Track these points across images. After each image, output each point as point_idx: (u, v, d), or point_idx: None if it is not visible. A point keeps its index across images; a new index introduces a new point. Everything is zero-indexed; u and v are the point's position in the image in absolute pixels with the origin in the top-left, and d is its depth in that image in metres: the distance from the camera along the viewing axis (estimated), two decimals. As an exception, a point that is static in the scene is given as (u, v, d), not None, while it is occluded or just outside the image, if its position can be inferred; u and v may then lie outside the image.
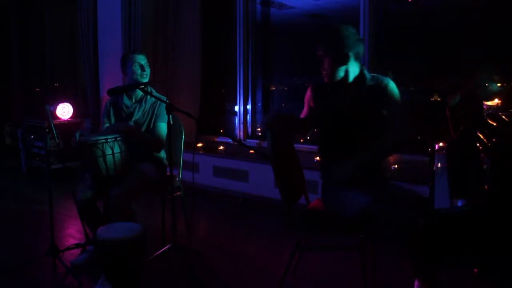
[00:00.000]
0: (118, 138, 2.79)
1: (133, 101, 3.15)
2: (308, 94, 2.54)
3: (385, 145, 2.31)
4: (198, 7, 4.94)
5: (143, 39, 4.81)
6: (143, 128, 3.08)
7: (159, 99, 2.95)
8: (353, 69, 2.37)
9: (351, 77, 2.37)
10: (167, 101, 2.85)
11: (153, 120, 3.08)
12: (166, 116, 3.06)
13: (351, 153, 2.28)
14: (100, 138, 2.73)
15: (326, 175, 2.46)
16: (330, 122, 2.40)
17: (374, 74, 2.43)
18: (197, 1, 4.93)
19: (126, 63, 3.12)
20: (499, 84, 3.64)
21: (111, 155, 2.75)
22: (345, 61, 2.31)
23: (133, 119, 3.08)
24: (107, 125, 3.16)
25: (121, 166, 2.80)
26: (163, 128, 3.01)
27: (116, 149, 2.77)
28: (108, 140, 2.74)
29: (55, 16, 6.59)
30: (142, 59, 3.11)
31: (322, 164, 2.50)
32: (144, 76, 3.10)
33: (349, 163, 2.26)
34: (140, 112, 3.10)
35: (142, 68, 3.08)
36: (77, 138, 2.75)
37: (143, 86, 2.95)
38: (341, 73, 2.34)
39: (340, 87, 2.39)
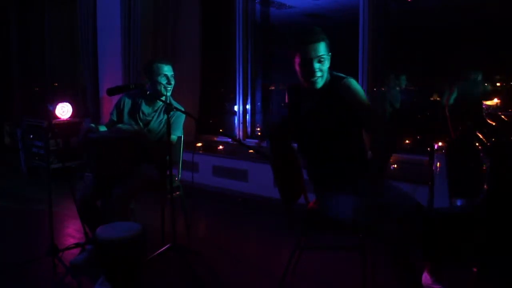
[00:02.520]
0: (125, 138, 2.80)
1: (152, 109, 3.11)
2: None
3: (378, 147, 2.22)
4: (198, 7, 4.95)
5: (143, 39, 4.81)
6: (157, 137, 3.06)
7: (177, 109, 2.83)
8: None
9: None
10: (185, 111, 2.83)
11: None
12: (181, 128, 3.08)
13: (326, 157, 2.28)
14: (107, 136, 2.74)
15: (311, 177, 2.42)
16: (301, 127, 2.36)
17: (336, 74, 2.32)
18: (196, 1, 4.93)
19: (151, 71, 3.01)
20: (498, 84, 3.64)
21: (116, 154, 2.75)
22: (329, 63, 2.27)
23: (148, 127, 3.07)
24: (115, 119, 3.14)
25: (125, 166, 2.80)
26: (173, 140, 3.02)
27: (122, 148, 2.78)
28: (115, 137, 2.76)
29: (55, 16, 6.58)
30: (169, 71, 3.02)
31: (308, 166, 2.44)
32: (169, 89, 3.03)
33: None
34: (157, 122, 3.08)
35: (168, 80, 3.01)
36: (85, 135, 2.76)
37: (163, 98, 2.94)
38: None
39: (312, 90, 2.29)
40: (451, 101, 3.67)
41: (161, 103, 3.06)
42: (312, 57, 2.17)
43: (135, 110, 3.10)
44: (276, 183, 2.33)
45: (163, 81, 3.00)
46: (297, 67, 2.22)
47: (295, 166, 2.61)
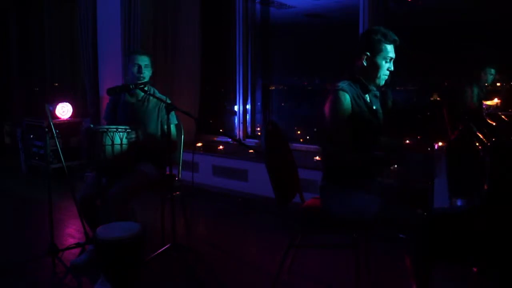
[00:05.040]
0: (128, 130, 2.83)
1: (135, 100, 3.15)
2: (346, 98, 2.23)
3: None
4: (198, 7, 4.94)
5: (143, 39, 4.81)
6: (145, 127, 3.08)
7: (160, 99, 2.95)
8: None
9: None
10: (168, 101, 2.86)
11: (159, 121, 3.10)
12: (174, 116, 3.15)
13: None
14: (111, 127, 2.79)
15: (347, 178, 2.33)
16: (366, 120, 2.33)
17: None
18: (197, 1, 4.93)
19: (127, 63, 3.15)
20: (498, 84, 3.64)
21: (119, 145, 2.77)
22: None
23: (134, 117, 3.08)
24: (108, 120, 3.22)
25: (126, 158, 2.81)
26: (173, 129, 3.10)
27: (125, 141, 2.81)
28: (119, 130, 2.78)
29: (55, 16, 6.58)
30: (141, 60, 3.09)
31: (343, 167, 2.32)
32: (141, 78, 3.07)
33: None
34: (142, 111, 3.11)
35: (139, 69, 3.07)
36: (88, 125, 2.81)
37: (142, 86, 2.95)
38: None
39: (376, 87, 2.37)
40: (475, 100, 3.65)
41: (143, 93, 3.11)
42: (393, 57, 2.27)
43: (120, 106, 3.17)
44: (271, 183, 2.33)
45: (135, 70, 3.07)
46: (374, 61, 2.25)
47: (290, 164, 2.61)
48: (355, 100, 2.23)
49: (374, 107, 2.34)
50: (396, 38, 2.25)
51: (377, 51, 2.24)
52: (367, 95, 2.32)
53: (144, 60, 3.10)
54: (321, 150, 2.39)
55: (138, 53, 3.15)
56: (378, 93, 2.39)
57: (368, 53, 2.24)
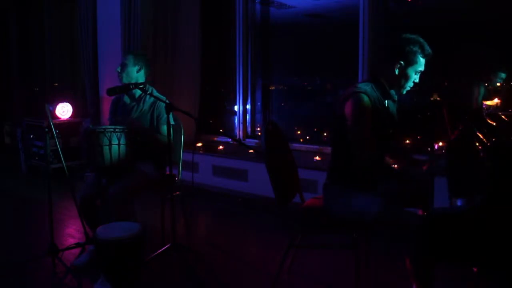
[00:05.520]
0: (125, 130, 2.83)
1: (132, 100, 3.16)
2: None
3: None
4: (198, 7, 4.95)
5: (143, 39, 4.81)
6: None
7: (158, 98, 2.95)
8: None
9: None
10: (167, 101, 2.86)
11: (154, 121, 3.09)
12: (171, 117, 3.16)
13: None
14: (109, 127, 2.80)
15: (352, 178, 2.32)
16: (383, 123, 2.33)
17: None
18: (197, 1, 4.94)
19: None
20: (498, 84, 3.64)
21: (117, 145, 2.77)
22: None
23: (131, 117, 3.08)
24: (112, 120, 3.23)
25: (125, 158, 2.81)
26: (165, 130, 2.99)
27: (122, 141, 2.81)
28: (116, 130, 2.78)
29: (55, 16, 6.59)
30: (122, 60, 3.17)
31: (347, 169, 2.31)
32: (120, 77, 3.14)
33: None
34: (138, 111, 3.11)
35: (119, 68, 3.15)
36: (88, 126, 2.81)
37: (142, 86, 2.95)
38: None
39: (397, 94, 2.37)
40: (479, 101, 3.65)
41: (139, 93, 3.13)
42: (422, 70, 2.26)
43: (119, 106, 3.20)
44: (271, 183, 2.34)
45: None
46: (406, 72, 2.23)
47: (290, 164, 2.61)
48: (375, 104, 2.21)
49: (391, 112, 2.34)
50: (431, 52, 2.22)
51: (411, 62, 2.21)
52: (386, 101, 2.31)
53: (124, 59, 3.17)
54: (332, 150, 2.37)
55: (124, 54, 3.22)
56: (396, 98, 2.37)
57: (402, 63, 2.21)
